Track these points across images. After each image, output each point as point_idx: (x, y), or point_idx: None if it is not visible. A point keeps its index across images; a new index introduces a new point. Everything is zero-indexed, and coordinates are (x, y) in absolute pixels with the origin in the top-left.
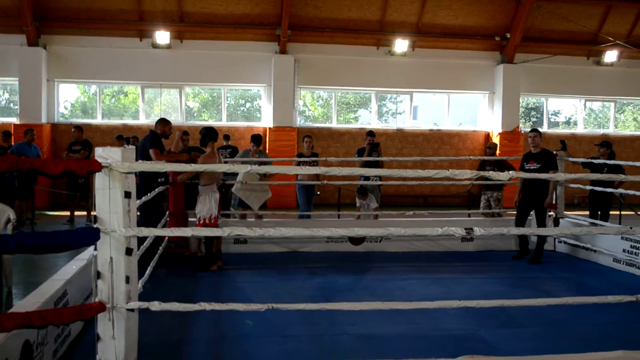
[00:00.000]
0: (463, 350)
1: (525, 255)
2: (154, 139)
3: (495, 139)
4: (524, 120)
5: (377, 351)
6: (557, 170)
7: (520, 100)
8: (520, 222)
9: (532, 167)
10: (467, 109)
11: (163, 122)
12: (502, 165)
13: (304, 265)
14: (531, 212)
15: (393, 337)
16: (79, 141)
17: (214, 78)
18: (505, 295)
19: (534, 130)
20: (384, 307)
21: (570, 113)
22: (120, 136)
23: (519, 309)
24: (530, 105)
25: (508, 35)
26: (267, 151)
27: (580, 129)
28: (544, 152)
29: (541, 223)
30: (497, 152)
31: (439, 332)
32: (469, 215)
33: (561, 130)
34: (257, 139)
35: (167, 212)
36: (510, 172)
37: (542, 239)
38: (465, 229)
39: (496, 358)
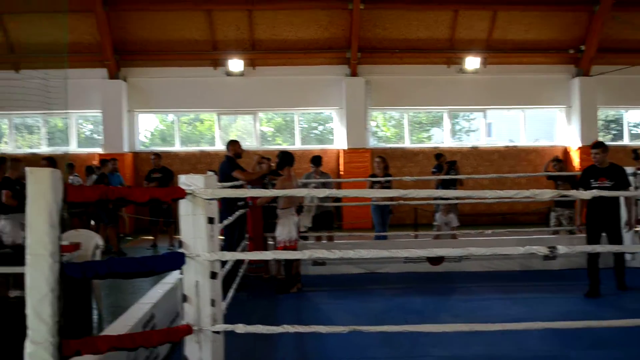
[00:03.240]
0: None
1: (596, 295)
2: (232, 163)
3: (575, 154)
4: (603, 134)
5: None
6: (629, 186)
7: (599, 113)
8: (593, 255)
9: (603, 185)
10: (544, 124)
11: (233, 143)
12: (574, 182)
13: (383, 287)
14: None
15: (475, 359)
16: (157, 168)
17: (286, 103)
18: (591, 315)
19: (598, 145)
20: (466, 329)
21: None
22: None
23: (607, 329)
24: (609, 118)
25: (583, 47)
26: (341, 173)
27: None
28: (614, 167)
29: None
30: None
31: (522, 354)
32: (552, 233)
33: None
34: (316, 160)
35: (247, 236)
36: (595, 191)
37: (621, 263)
38: (549, 247)
39: None
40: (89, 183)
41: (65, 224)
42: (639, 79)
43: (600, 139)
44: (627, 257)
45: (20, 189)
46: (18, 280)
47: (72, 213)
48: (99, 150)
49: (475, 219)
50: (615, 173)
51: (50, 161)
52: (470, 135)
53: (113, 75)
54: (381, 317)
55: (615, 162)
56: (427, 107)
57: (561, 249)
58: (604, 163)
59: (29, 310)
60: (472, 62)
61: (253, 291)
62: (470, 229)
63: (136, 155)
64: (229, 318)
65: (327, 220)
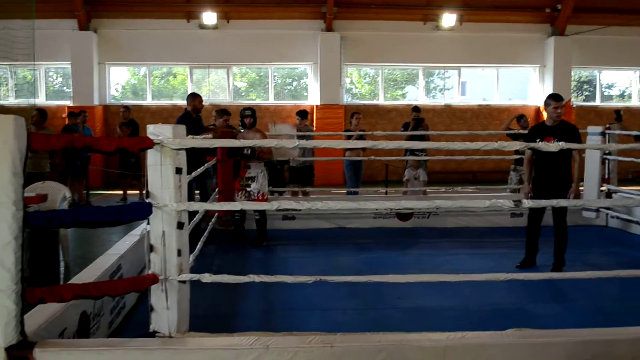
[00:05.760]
0: (511, 324)
1: (532, 266)
2: (183, 118)
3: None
4: (576, 94)
5: (424, 324)
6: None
7: (572, 74)
8: (534, 223)
9: None
10: (517, 83)
11: (192, 96)
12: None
13: (352, 241)
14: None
15: (440, 310)
16: (125, 121)
17: (260, 57)
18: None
19: (557, 97)
20: (431, 280)
21: (625, 85)
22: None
23: (568, 282)
24: (582, 79)
25: (559, 6)
26: (314, 129)
27: (635, 102)
28: (564, 125)
29: (561, 222)
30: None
31: (486, 306)
32: (519, 191)
33: (615, 104)
34: (302, 113)
35: (217, 189)
36: (561, 142)
37: (562, 239)
38: (514, 200)
39: (544, 331)
40: None
41: (46, 177)
42: (613, 40)
43: (573, 99)
44: (592, 215)
45: None
46: None
47: (52, 166)
48: (68, 103)
49: (446, 177)
50: (565, 131)
51: (40, 112)
52: (445, 93)
53: (83, 27)
54: (349, 270)
55: (588, 123)
56: (402, 65)
57: (526, 203)
58: (557, 120)
59: None
60: (448, 20)
61: (222, 244)
62: (440, 187)
63: (107, 108)
64: (196, 270)
65: (307, 175)
